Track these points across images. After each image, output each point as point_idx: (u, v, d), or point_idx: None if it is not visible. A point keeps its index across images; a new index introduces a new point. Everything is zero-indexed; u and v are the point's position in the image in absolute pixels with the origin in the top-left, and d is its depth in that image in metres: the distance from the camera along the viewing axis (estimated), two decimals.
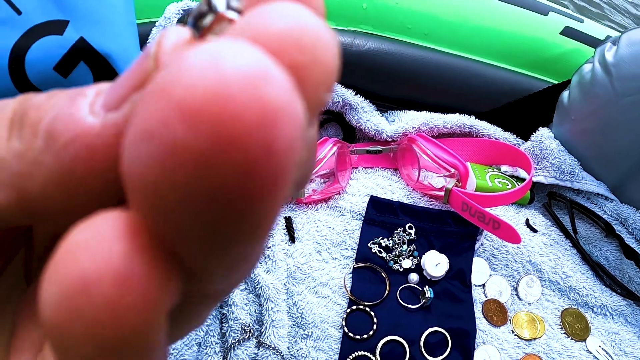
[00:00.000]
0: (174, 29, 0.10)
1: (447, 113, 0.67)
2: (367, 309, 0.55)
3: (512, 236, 0.55)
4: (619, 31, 0.68)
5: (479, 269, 0.60)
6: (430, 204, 0.63)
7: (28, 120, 0.10)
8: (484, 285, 0.60)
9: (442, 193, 0.60)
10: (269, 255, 0.56)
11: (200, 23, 0.10)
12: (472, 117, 0.67)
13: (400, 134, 0.64)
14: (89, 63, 0.46)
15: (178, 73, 0.07)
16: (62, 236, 0.09)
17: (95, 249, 0.08)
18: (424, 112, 0.67)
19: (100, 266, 0.08)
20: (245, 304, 0.52)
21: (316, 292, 0.56)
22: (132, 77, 0.10)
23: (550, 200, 0.67)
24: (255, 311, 0.53)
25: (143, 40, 0.59)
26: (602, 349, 0.58)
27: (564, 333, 0.59)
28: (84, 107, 0.10)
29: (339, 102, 0.65)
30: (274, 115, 0.07)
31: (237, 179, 0.07)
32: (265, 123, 0.07)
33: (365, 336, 0.53)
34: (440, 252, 0.59)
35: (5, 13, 0.44)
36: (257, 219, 0.08)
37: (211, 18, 0.10)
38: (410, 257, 0.59)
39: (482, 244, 0.61)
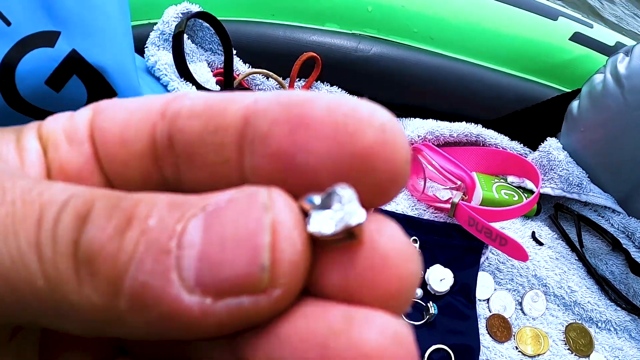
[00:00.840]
0: (287, 231, 0.10)
1: (453, 120, 0.65)
2: None
3: (519, 253, 0.54)
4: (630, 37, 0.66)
5: (484, 284, 0.59)
6: (435, 217, 0.61)
7: (102, 271, 0.09)
8: (488, 300, 0.59)
9: (448, 205, 0.58)
10: None
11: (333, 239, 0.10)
12: (479, 126, 0.65)
13: None
14: (81, 77, 0.44)
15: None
16: None
17: None
18: (430, 120, 0.65)
19: None
20: None
21: None
22: (238, 275, 0.09)
23: (557, 212, 0.66)
24: None
25: (141, 43, 0.56)
26: None
27: (568, 349, 0.58)
28: (174, 277, 0.09)
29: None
30: None
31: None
32: None
33: None
34: (444, 266, 0.57)
35: None
36: None
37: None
38: None
39: (487, 257, 0.60)
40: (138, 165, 0.12)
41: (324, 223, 0.10)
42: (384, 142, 0.10)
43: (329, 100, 0.10)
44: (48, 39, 0.43)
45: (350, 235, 0.10)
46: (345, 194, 0.10)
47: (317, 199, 0.10)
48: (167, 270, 0.09)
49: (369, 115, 0.10)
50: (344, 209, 0.10)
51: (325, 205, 0.10)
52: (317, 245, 0.10)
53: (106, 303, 0.09)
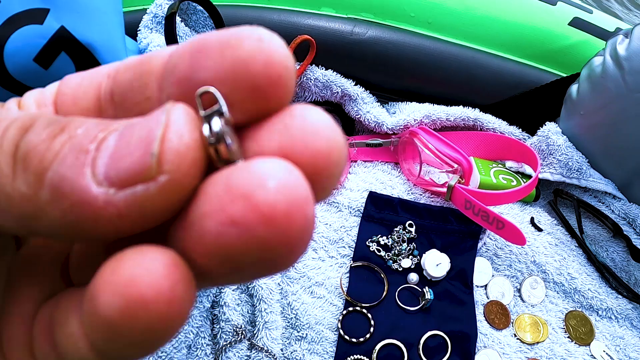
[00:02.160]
0: (175, 130, 0.11)
1: (451, 105, 0.64)
2: (364, 310, 0.53)
3: (516, 237, 0.53)
4: (629, 23, 0.65)
5: (482, 269, 0.58)
6: (432, 201, 0.60)
7: (32, 165, 0.11)
8: (486, 286, 0.58)
9: (444, 189, 0.57)
10: None
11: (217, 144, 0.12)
12: (477, 110, 0.64)
13: (402, 127, 0.62)
14: (70, 54, 0.44)
15: (255, 185, 0.11)
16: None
17: (151, 276, 0.11)
18: (427, 104, 0.64)
19: (156, 291, 0.11)
20: (238, 305, 0.50)
21: (311, 292, 0.54)
22: (134, 165, 0.11)
23: (556, 198, 0.65)
24: (247, 312, 0.51)
25: (133, 29, 0.56)
26: (607, 353, 0.56)
27: (568, 337, 0.57)
28: (86, 171, 0.11)
29: (337, 92, 0.62)
30: (309, 219, 0.11)
31: (284, 249, 0.11)
32: (305, 225, 0.11)
33: (361, 339, 0.51)
34: (441, 251, 0.57)
35: None
36: (286, 265, 0.12)
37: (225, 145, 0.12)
38: (410, 257, 0.56)
39: (485, 243, 0.59)
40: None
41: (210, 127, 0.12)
42: (260, 49, 0.11)
43: (223, 31, 0.12)
44: (37, 16, 0.43)
45: (218, 140, 0.12)
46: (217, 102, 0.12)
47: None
48: (82, 165, 0.11)
49: (249, 32, 0.12)
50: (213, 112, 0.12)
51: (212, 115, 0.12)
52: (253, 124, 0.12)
53: (31, 193, 0.11)
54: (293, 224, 0.11)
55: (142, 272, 0.11)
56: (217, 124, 0.11)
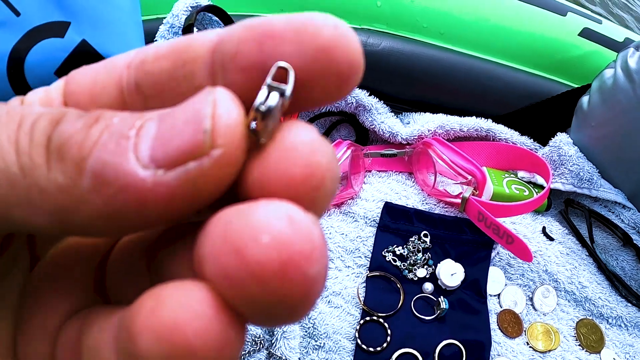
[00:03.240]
0: (224, 102, 0.11)
1: (463, 115, 0.65)
2: (381, 320, 0.53)
3: (524, 253, 0.54)
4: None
5: (495, 279, 0.59)
6: (446, 211, 0.61)
7: (68, 154, 0.11)
8: (499, 295, 0.59)
9: (459, 200, 0.58)
10: None
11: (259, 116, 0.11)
12: (489, 121, 0.65)
13: (416, 137, 0.62)
14: None
15: (248, 239, 0.10)
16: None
17: (199, 321, 0.10)
18: (440, 114, 0.65)
19: (204, 339, 0.10)
20: None
21: (329, 302, 0.54)
22: (185, 143, 0.11)
23: (567, 207, 0.66)
24: None
25: (149, 38, 0.56)
26: None
27: (579, 345, 0.58)
28: (130, 154, 0.11)
29: (352, 103, 0.63)
30: (312, 278, 0.10)
31: (280, 307, 0.10)
32: (305, 283, 0.10)
33: (378, 348, 0.52)
34: (455, 261, 0.57)
35: (4, 15, 0.42)
36: (288, 320, 0.11)
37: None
38: (425, 266, 0.57)
39: (498, 252, 0.60)
40: None
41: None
42: (339, 35, 0.11)
43: (285, 15, 0.12)
44: (58, 29, 0.43)
45: (266, 114, 0.11)
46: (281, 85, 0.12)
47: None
48: (125, 150, 0.11)
49: (323, 18, 0.12)
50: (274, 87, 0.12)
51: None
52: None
53: (70, 183, 0.11)
54: (288, 284, 0.10)
55: (187, 315, 0.10)
56: (274, 98, 0.11)
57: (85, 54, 0.44)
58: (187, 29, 0.53)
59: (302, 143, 0.11)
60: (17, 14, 0.41)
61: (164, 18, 0.56)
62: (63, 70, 0.44)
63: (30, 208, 0.11)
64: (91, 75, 0.14)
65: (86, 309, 0.14)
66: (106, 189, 0.10)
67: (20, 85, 0.43)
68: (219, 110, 0.11)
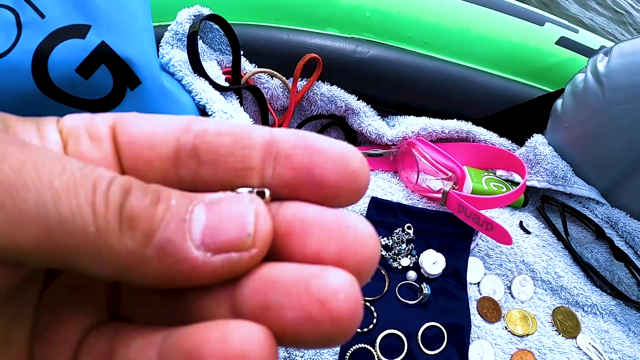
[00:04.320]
0: (263, 218, 0.15)
1: (445, 119, 0.70)
2: (368, 303, 0.57)
3: (504, 238, 0.58)
4: (614, 41, 0.71)
5: (474, 268, 0.63)
6: (428, 206, 0.65)
7: (139, 226, 0.14)
8: (478, 283, 0.63)
9: (440, 195, 0.62)
10: None
11: None
12: (469, 123, 0.70)
13: (400, 138, 0.67)
14: (109, 66, 0.48)
15: (331, 295, 0.14)
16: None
17: (259, 349, 0.13)
18: (424, 117, 0.70)
19: None
20: None
21: None
22: (232, 239, 0.14)
23: (544, 203, 0.70)
24: None
25: (155, 43, 0.61)
26: (592, 346, 0.61)
27: (555, 330, 0.61)
28: (187, 237, 0.14)
29: (341, 106, 0.68)
30: (361, 317, 0.14)
31: (342, 337, 0.14)
32: (358, 321, 0.14)
33: (365, 330, 0.56)
34: (437, 252, 0.61)
35: (30, 16, 0.46)
36: (339, 344, 0.15)
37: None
38: (409, 256, 0.61)
39: (477, 244, 0.64)
40: (160, 165, 0.16)
41: None
42: (363, 167, 0.16)
43: (328, 139, 0.16)
44: (79, 31, 0.48)
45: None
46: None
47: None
48: (184, 232, 0.14)
49: (353, 151, 0.16)
50: None
51: None
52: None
53: (138, 249, 0.14)
54: (352, 322, 0.14)
55: (253, 347, 0.13)
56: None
57: (104, 54, 0.48)
58: (192, 35, 0.58)
59: (370, 234, 0.15)
60: (42, 16, 0.46)
61: (167, 25, 0.61)
62: (83, 68, 0.48)
63: (97, 260, 0.14)
64: (150, 126, 0.16)
65: (112, 325, 0.16)
66: (166, 259, 0.14)
67: (43, 80, 0.47)
68: (260, 221, 0.15)
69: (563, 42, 0.75)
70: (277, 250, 0.15)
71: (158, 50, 0.61)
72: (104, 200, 0.14)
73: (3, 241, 0.12)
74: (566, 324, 0.62)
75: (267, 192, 0.16)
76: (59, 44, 0.47)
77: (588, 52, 0.75)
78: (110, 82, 0.49)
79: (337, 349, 0.55)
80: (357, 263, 0.15)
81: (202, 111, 0.56)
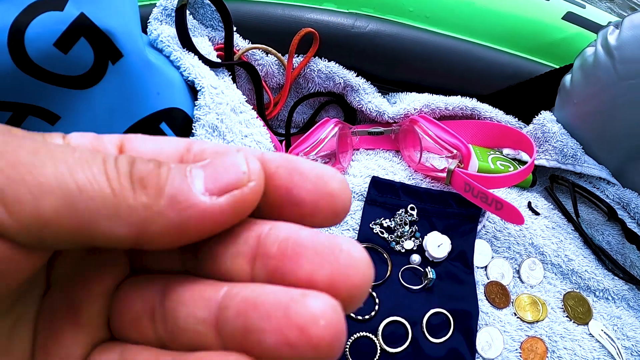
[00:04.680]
0: (253, 159, 0.17)
1: (449, 95, 0.66)
2: (369, 289, 0.55)
3: (515, 217, 0.55)
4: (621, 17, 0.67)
5: (481, 251, 0.60)
6: (432, 185, 0.62)
7: (150, 184, 0.15)
8: (486, 267, 0.60)
9: (444, 174, 0.59)
10: None
11: None
12: (474, 100, 0.66)
13: (402, 116, 0.64)
14: (89, 39, 0.46)
15: (310, 321, 0.14)
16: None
17: None
18: (426, 94, 0.67)
19: None
20: None
21: None
22: (231, 179, 0.16)
23: (553, 183, 0.67)
24: None
25: (143, 22, 0.58)
26: (605, 332, 0.58)
27: (566, 316, 0.59)
28: (193, 186, 0.16)
29: (340, 83, 0.64)
30: (343, 343, 0.14)
31: (333, 356, 0.14)
32: (340, 347, 0.14)
33: (367, 317, 0.53)
34: (442, 234, 0.58)
35: None
36: None
37: None
38: (412, 238, 0.58)
39: (484, 225, 0.61)
40: None
41: None
42: (342, 189, 0.17)
43: (311, 162, 0.17)
44: (57, 2, 0.45)
45: None
46: None
47: None
48: (188, 184, 0.16)
49: (333, 172, 0.17)
50: None
51: None
52: None
53: (152, 201, 0.15)
54: (332, 349, 0.14)
55: None
56: None
57: (83, 26, 0.45)
58: (180, 9, 0.55)
59: (363, 259, 0.16)
60: None
61: (156, 4, 0.58)
62: (61, 42, 0.45)
63: (116, 220, 0.15)
64: (154, 144, 0.18)
65: (118, 343, 0.18)
66: (179, 206, 0.15)
67: (20, 57, 0.44)
68: (251, 161, 0.17)
69: (570, 17, 0.72)
70: (269, 273, 0.16)
71: (146, 27, 0.58)
72: (115, 169, 0.15)
73: (27, 212, 0.14)
74: (577, 309, 0.59)
75: None
76: (36, 17, 0.44)
77: (595, 28, 0.71)
78: (91, 56, 0.46)
79: None
80: (349, 288, 0.15)
81: (192, 87, 0.53)
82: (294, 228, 0.16)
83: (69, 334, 0.17)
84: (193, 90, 0.53)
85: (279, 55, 0.63)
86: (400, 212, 0.59)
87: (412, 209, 0.60)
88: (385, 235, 0.58)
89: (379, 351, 0.51)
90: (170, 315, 0.16)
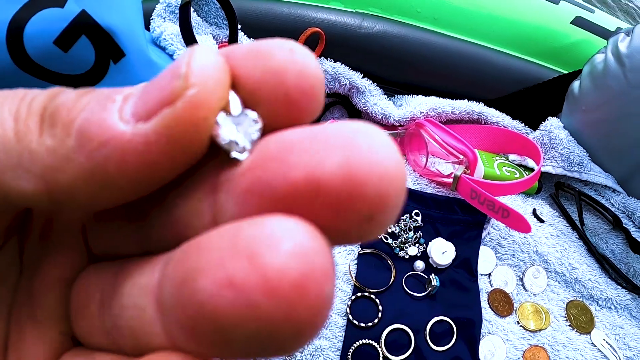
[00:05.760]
0: (201, 50, 0.11)
1: (455, 99, 0.66)
2: (372, 296, 0.54)
3: (521, 225, 0.54)
4: (630, 23, 0.67)
5: (485, 258, 0.59)
6: (438, 191, 0.61)
7: (59, 119, 0.12)
8: (489, 274, 0.59)
9: (450, 180, 0.58)
10: None
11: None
12: (481, 104, 0.66)
13: (408, 119, 0.63)
14: (90, 37, 0.44)
15: (266, 244, 0.09)
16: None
17: None
18: (432, 97, 0.66)
19: None
20: None
21: None
22: (162, 93, 0.11)
23: (558, 190, 0.66)
24: None
25: (146, 18, 0.57)
26: (606, 342, 0.58)
27: (569, 325, 0.58)
28: (113, 112, 0.11)
29: (345, 84, 0.63)
30: (326, 299, 0.10)
31: (288, 329, 0.09)
32: (319, 303, 0.09)
33: (370, 324, 0.52)
34: (447, 240, 0.58)
35: None
36: (289, 348, 0.10)
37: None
38: (417, 245, 0.58)
39: (488, 232, 0.60)
40: None
41: (229, 131, 0.11)
42: (293, 60, 0.11)
43: (256, 42, 0.12)
44: None
45: (231, 159, 0.11)
46: (252, 116, 0.12)
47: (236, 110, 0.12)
48: (109, 109, 0.11)
49: (281, 42, 0.12)
50: (246, 130, 0.12)
51: (238, 120, 0.12)
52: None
53: (58, 143, 0.11)
54: (304, 299, 0.09)
55: None
56: (237, 106, 0.12)
57: (85, 24, 0.44)
58: (184, 7, 0.54)
59: (389, 143, 0.10)
60: None
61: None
62: (62, 39, 0.44)
63: (20, 171, 0.11)
64: None
65: (107, 263, 0.15)
66: (89, 145, 0.11)
67: (19, 54, 0.43)
68: (195, 54, 0.11)
69: (578, 21, 0.71)
70: (239, 199, 0.11)
71: (149, 24, 0.56)
72: (27, 107, 0.12)
73: None
74: (580, 318, 0.59)
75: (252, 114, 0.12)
76: (36, 14, 0.43)
77: (604, 33, 0.71)
78: (92, 54, 0.44)
79: (339, 345, 0.51)
80: (377, 179, 0.10)
81: None
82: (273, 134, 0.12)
83: (30, 326, 0.14)
84: None
85: None
86: (404, 217, 0.59)
87: (416, 214, 0.59)
88: (389, 240, 0.57)
89: (381, 359, 0.51)
90: (117, 293, 0.13)
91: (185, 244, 0.11)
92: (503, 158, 0.65)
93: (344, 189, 0.10)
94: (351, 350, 0.51)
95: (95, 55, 0.45)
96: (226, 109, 0.11)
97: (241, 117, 0.12)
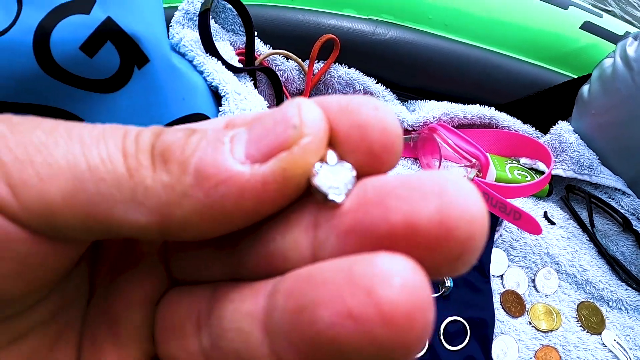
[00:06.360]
0: (307, 104, 0.13)
1: (467, 104, 0.67)
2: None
3: (533, 227, 0.55)
4: (638, 27, 0.68)
5: (498, 260, 0.60)
6: None
7: (173, 157, 0.12)
8: (502, 276, 0.60)
9: None
10: None
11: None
12: (492, 109, 0.67)
13: (421, 124, 0.64)
14: (115, 43, 0.46)
15: (380, 281, 0.10)
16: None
17: None
18: (445, 102, 0.67)
19: None
20: None
21: None
22: (277, 139, 0.12)
23: (568, 193, 0.67)
24: None
25: (166, 24, 0.58)
26: (617, 342, 0.59)
27: (580, 326, 0.59)
28: (226, 153, 0.12)
29: (359, 90, 0.65)
30: (429, 324, 0.11)
31: (399, 351, 0.10)
32: (425, 329, 0.11)
33: None
34: None
35: None
36: None
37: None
38: None
39: (500, 234, 0.61)
40: None
41: (326, 177, 0.13)
42: (377, 117, 0.13)
43: (341, 96, 0.13)
44: (83, 6, 0.45)
45: (328, 201, 0.12)
46: (347, 167, 0.13)
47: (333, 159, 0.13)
48: (223, 151, 0.12)
49: (367, 99, 0.13)
50: (343, 178, 0.13)
51: (334, 169, 0.13)
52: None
53: (175, 180, 0.12)
54: (414, 326, 0.10)
55: None
56: (333, 157, 0.13)
57: (110, 30, 0.45)
58: (203, 14, 0.55)
59: (472, 188, 0.12)
60: None
61: (176, 7, 0.58)
62: (87, 45, 0.45)
63: (134, 205, 0.12)
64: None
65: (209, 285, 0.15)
66: (206, 182, 0.12)
67: (45, 60, 0.44)
68: (304, 108, 0.12)
69: (587, 26, 0.72)
70: (340, 239, 0.12)
71: (168, 30, 0.58)
72: (135, 143, 0.13)
73: (34, 196, 0.12)
74: (591, 319, 0.60)
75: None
76: (62, 20, 0.44)
77: (613, 38, 0.72)
78: (117, 60, 0.46)
79: None
80: (468, 222, 0.11)
81: (215, 92, 0.53)
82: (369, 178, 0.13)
83: (110, 347, 0.15)
84: (216, 95, 0.53)
85: (300, 60, 0.63)
86: None
87: None
88: None
89: None
90: (216, 316, 0.13)
91: (292, 275, 0.12)
92: (514, 161, 0.66)
93: (438, 232, 0.11)
94: None
95: (120, 61, 0.46)
96: (323, 159, 0.13)
97: (337, 167, 0.13)
